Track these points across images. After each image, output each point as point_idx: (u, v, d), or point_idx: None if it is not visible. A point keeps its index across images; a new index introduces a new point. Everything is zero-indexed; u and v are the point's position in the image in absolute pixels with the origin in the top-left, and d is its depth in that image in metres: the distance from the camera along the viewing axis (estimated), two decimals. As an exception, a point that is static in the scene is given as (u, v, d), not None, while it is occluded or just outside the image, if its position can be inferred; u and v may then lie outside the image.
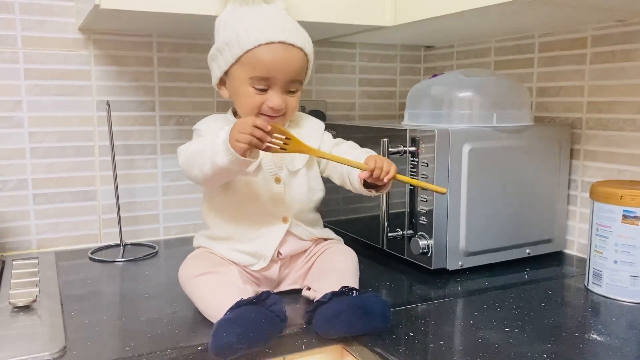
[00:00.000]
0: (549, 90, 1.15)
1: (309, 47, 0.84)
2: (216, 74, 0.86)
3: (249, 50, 0.80)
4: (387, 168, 0.79)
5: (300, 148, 0.79)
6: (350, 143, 0.92)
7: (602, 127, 1.06)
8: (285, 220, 0.87)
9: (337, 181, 0.90)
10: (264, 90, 0.82)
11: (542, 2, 0.83)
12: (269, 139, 0.74)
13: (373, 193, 0.84)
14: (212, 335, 0.68)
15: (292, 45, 0.81)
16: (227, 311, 0.71)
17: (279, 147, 0.76)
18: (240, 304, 0.71)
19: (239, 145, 0.72)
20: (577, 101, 1.10)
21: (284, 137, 0.77)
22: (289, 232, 0.87)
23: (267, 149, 0.75)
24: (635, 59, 0.99)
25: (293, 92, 0.84)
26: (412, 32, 1.19)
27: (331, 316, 0.73)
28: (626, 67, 1.01)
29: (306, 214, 0.90)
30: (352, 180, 0.85)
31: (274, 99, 0.81)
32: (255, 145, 0.72)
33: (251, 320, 0.68)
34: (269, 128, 0.73)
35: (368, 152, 0.86)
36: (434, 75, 1.10)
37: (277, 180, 0.86)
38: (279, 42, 0.80)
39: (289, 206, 0.87)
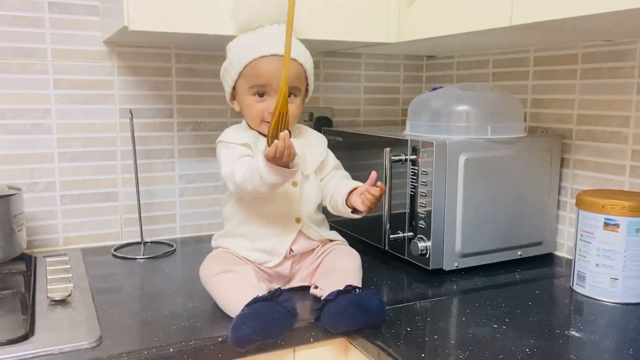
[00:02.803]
0: (542, 102, 1.23)
1: (303, 59, 0.93)
2: (227, 90, 0.97)
3: (247, 65, 0.91)
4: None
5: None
6: (346, 173, 1.03)
7: (590, 139, 1.13)
8: (298, 220, 0.96)
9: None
10: (262, 98, 0.92)
11: (535, 27, 0.89)
12: (286, 146, 0.82)
13: (348, 212, 0.94)
14: (231, 328, 0.76)
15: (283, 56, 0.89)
16: (245, 307, 0.79)
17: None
18: (256, 300, 0.80)
19: (282, 162, 0.82)
20: (568, 113, 1.17)
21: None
22: (300, 232, 0.96)
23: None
24: (622, 76, 1.07)
25: (290, 98, 0.92)
26: (414, 45, 1.26)
27: (337, 313, 0.81)
28: (613, 84, 1.08)
29: (315, 215, 0.99)
30: (336, 199, 0.96)
31: (271, 104, 0.90)
32: (288, 155, 0.81)
33: (266, 315, 0.77)
34: (287, 142, 0.81)
35: (357, 184, 0.96)
36: (434, 88, 1.18)
37: (294, 184, 0.95)
38: (272, 55, 0.90)
39: (302, 207, 0.96)
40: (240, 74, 0.93)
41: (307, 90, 0.98)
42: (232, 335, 0.76)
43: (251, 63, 0.91)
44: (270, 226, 0.95)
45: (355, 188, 0.94)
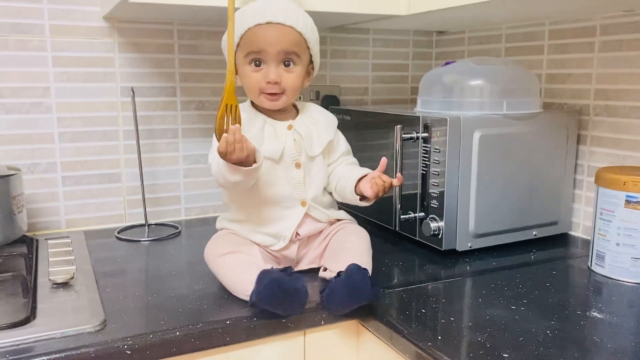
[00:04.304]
0: (558, 77, 1.18)
1: (301, 26, 0.88)
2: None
3: (243, 34, 0.87)
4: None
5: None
6: (355, 160, 0.99)
7: (608, 114, 1.09)
8: (303, 203, 0.92)
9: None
10: (258, 66, 0.88)
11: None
12: (236, 140, 0.77)
13: (356, 200, 0.91)
14: (253, 293, 0.76)
15: (279, 24, 0.86)
16: (256, 282, 0.77)
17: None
18: (265, 272, 0.78)
19: (234, 159, 0.77)
20: (585, 88, 1.13)
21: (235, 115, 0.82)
22: (306, 215, 0.92)
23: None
24: (643, 48, 1.02)
25: (288, 67, 0.88)
26: (424, 19, 1.22)
27: (332, 295, 0.79)
28: (633, 56, 1.04)
29: (322, 197, 0.95)
30: (344, 185, 0.92)
31: (268, 73, 0.87)
32: (241, 149, 0.77)
33: (281, 280, 0.76)
34: (236, 136, 0.77)
35: (367, 171, 0.92)
36: (447, 63, 1.13)
37: (297, 165, 0.91)
38: (267, 23, 0.86)
39: (307, 190, 0.92)
40: (238, 45, 0.89)
41: (312, 62, 0.93)
42: (257, 286, 0.75)
43: (247, 32, 0.87)
44: (274, 210, 0.91)
45: (366, 175, 0.90)
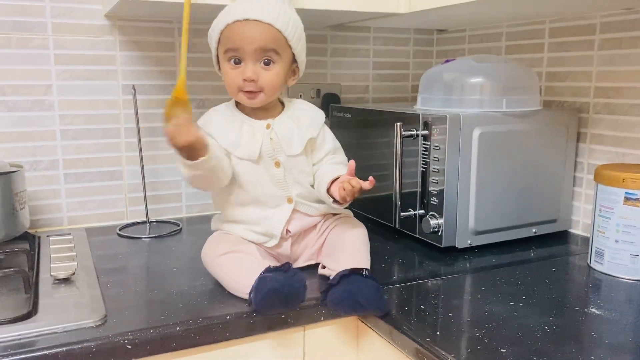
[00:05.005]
0: (558, 75, 1.19)
1: (281, 23, 0.86)
2: (213, 59, 0.93)
3: (222, 31, 0.88)
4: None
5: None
6: (342, 159, 0.97)
7: (608, 112, 1.09)
8: (290, 200, 0.91)
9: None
10: (238, 64, 0.87)
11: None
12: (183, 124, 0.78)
13: (330, 202, 0.89)
14: (254, 288, 0.77)
15: (257, 21, 0.85)
16: (256, 280, 0.78)
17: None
18: (269, 270, 0.78)
19: (175, 145, 0.78)
20: (585, 86, 1.13)
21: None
22: (295, 211, 0.91)
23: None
24: (642, 46, 1.03)
25: (267, 65, 0.87)
26: (425, 17, 1.22)
27: (339, 299, 0.79)
28: (633, 54, 1.04)
29: (310, 194, 0.94)
30: (319, 187, 0.91)
31: (245, 70, 0.86)
32: (181, 139, 0.77)
33: (280, 279, 0.77)
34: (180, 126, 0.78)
35: (341, 173, 0.90)
36: (447, 61, 1.14)
37: (277, 164, 0.90)
38: (244, 20, 0.85)
39: (291, 188, 0.91)
40: (218, 41, 0.89)
41: (295, 61, 0.91)
42: (255, 295, 0.76)
43: (226, 28, 0.87)
44: (262, 208, 0.91)
45: (338, 177, 0.88)
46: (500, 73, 1.08)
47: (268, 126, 0.90)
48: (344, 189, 0.85)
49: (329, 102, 1.38)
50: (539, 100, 1.11)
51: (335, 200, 0.88)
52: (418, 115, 1.04)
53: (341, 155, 0.98)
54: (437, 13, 1.10)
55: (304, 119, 0.93)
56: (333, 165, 0.94)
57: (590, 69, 1.12)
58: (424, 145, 1.04)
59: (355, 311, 0.80)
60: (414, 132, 1.04)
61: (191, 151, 0.79)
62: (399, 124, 1.04)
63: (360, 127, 1.21)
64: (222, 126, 0.89)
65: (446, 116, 0.98)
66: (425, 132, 1.03)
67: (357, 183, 0.85)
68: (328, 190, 0.89)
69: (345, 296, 0.79)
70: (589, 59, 1.12)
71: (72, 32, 1.16)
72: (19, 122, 1.14)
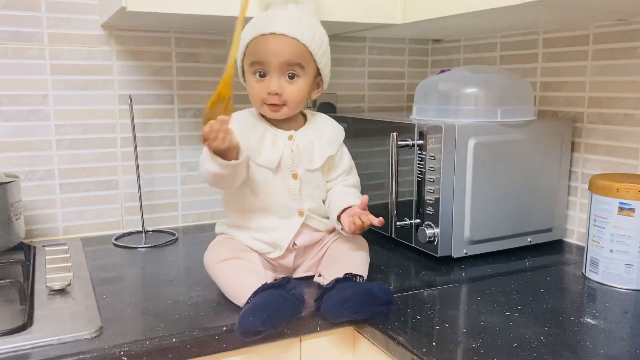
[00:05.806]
0: (552, 85, 1.20)
1: (307, 38, 0.87)
2: (239, 72, 0.93)
3: (248, 44, 0.88)
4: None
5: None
6: (355, 181, 0.98)
7: (602, 122, 1.10)
8: (301, 213, 0.92)
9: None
10: (262, 77, 0.88)
11: (547, 3, 0.86)
12: (221, 129, 0.78)
13: (339, 228, 0.91)
14: (239, 319, 0.74)
15: (283, 35, 0.86)
16: (252, 294, 0.77)
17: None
18: (265, 288, 0.78)
19: (215, 146, 0.79)
20: (579, 96, 1.14)
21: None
22: (304, 225, 0.92)
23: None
24: (635, 56, 1.04)
25: (292, 79, 0.88)
26: (420, 28, 1.23)
27: (337, 303, 0.79)
28: (626, 65, 1.05)
29: (321, 209, 0.95)
30: (331, 211, 0.92)
31: (270, 84, 0.87)
32: (223, 139, 0.78)
33: (274, 305, 0.75)
34: (223, 125, 0.78)
35: (353, 202, 0.91)
36: (442, 71, 1.14)
37: (294, 176, 0.91)
38: (270, 34, 0.86)
39: (304, 201, 0.92)
40: (244, 54, 0.90)
41: (319, 74, 0.93)
42: (239, 326, 0.74)
43: (251, 41, 0.88)
44: (272, 218, 0.91)
45: (350, 206, 0.89)
46: (495, 83, 1.08)
47: (290, 137, 0.91)
48: (354, 224, 0.86)
49: (325, 112, 1.38)
50: (534, 110, 1.12)
51: (343, 228, 0.90)
52: (413, 125, 1.05)
53: (354, 177, 0.99)
54: (432, 23, 1.11)
55: (325, 134, 0.95)
56: (345, 188, 0.95)
57: (584, 79, 1.13)
58: (419, 155, 1.04)
59: (357, 313, 0.79)
60: (410, 142, 1.04)
61: (223, 152, 0.80)
62: (394, 133, 1.05)
63: (356, 136, 1.22)
64: (243, 132, 0.88)
65: (441, 126, 0.98)
66: (421, 141, 1.03)
67: (368, 220, 0.86)
68: (339, 217, 0.90)
69: (339, 299, 0.78)
70: (583, 69, 1.13)
71: (69, 42, 1.16)
72: (15, 132, 1.14)
